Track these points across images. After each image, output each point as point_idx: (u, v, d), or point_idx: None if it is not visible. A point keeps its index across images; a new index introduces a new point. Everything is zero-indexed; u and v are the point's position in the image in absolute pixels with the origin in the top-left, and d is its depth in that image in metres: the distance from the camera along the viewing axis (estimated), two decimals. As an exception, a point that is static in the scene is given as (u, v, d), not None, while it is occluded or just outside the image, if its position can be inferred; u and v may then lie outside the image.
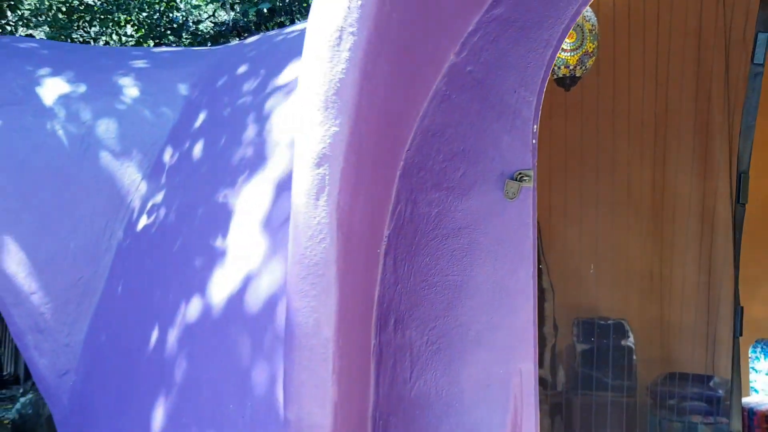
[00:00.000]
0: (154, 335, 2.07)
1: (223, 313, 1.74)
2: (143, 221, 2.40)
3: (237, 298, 1.70)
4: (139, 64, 2.73)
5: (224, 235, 1.89)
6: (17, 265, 2.43)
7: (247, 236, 1.79)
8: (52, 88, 2.60)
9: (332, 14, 0.78)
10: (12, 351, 7.32)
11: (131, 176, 2.53)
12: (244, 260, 1.75)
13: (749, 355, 4.15)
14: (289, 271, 0.94)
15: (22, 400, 5.61)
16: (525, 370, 1.26)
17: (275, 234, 1.68)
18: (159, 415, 1.92)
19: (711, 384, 4.36)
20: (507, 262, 1.29)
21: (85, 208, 2.51)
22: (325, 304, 0.94)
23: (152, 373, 2.05)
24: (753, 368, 4.18)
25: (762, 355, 4.27)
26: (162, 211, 2.33)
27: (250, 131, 2.09)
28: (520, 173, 1.27)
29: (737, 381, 3.32)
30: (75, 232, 2.50)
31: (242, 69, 2.47)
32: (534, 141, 1.28)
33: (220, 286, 1.79)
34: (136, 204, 2.50)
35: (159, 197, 2.39)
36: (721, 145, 2.11)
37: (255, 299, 1.63)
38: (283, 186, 1.77)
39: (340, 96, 0.82)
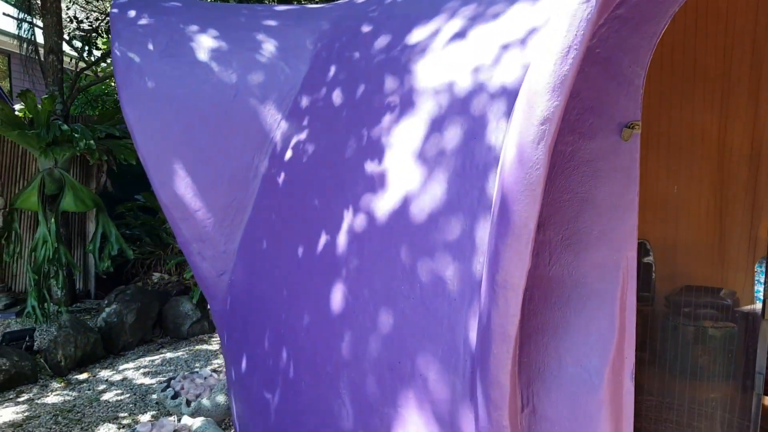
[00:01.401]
0: (303, 243, 2.66)
1: (387, 224, 2.33)
2: (288, 154, 2.98)
3: (400, 213, 2.29)
4: (269, 22, 3.26)
5: (380, 164, 2.45)
6: (184, 188, 3.02)
7: (403, 166, 2.36)
8: (201, 43, 3.14)
9: (567, 37, 1.37)
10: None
11: (273, 117, 3.10)
12: (403, 184, 2.32)
13: (755, 270, 4.75)
14: (511, 186, 1.55)
15: (107, 310, 6.32)
16: (630, 257, 1.89)
17: (431, 165, 2.26)
18: (314, 304, 2.54)
19: (721, 294, 4.95)
20: (619, 185, 1.90)
21: (235, 143, 3.09)
22: (533, 209, 1.55)
23: (303, 272, 2.65)
24: (757, 281, 4.77)
25: (761, 269, 4.86)
26: (306, 146, 2.89)
27: (390, 82, 2.62)
28: (631, 123, 1.86)
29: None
30: (228, 163, 3.08)
31: (366, 27, 2.99)
32: (641, 101, 1.88)
33: (381, 204, 2.36)
34: (278, 139, 3.07)
35: (301, 134, 2.95)
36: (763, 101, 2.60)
37: (419, 214, 2.22)
38: (434, 126, 2.33)
39: (563, 85, 1.41)
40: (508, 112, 2.13)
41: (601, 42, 1.86)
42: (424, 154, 2.30)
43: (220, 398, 3.74)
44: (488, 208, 2.04)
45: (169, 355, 6.11)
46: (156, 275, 8.12)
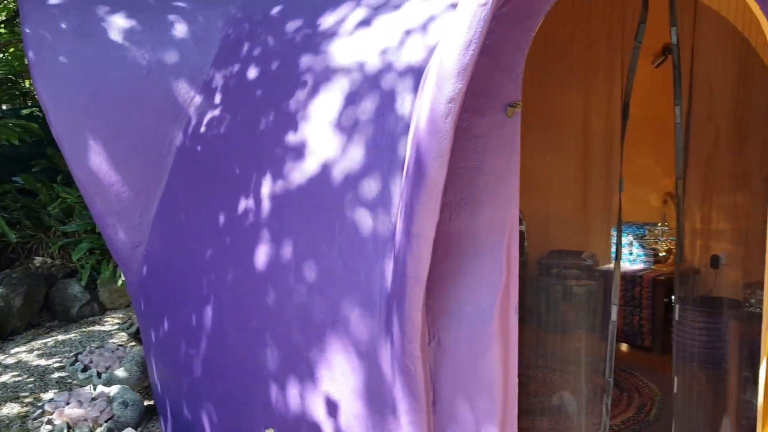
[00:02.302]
0: (224, 209, 2.88)
1: (307, 188, 2.59)
2: (203, 127, 3.16)
3: (319, 178, 2.55)
4: (179, 3, 3.41)
5: (299, 134, 2.70)
6: (99, 163, 3.14)
7: (321, 135, 2.62)
8: (113, 24, 3.24)
9: (468, 33, 1.72)
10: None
11: (186, 93, 3.26)
12: (322, 152, 2.59)
13: (611, 234, 5.42)
14: (425, 153, 1.88)
15: (-7, 293, 6.12)
16: (513, 214, 2.29)
17: (348, 134, 2.54)
18: (218, 268, 2.78)
19: (582, 256, 5.61)
20: (505, 155, 2.28)
21: (149, 119, 3.23)
22: (442, 172, 1.89)
23: (225, 236, 2.88)
24: (613, 243, 5.44)
25: (616, 233, 5.52)
26: (221, 119, 3.08)
27: (304, 61, 2.87)
28: (514, 103, 2.25)
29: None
30: (143, 137, 3.22)
31: (276, 11, 3.21)
32: (521, 85, 2.27)
33: (301, 170, 2.59)
34: (192, 114, 3.25)
35: (215, 109, 3.13)
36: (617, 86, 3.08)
37: (337, 178, 2.51)
38: (348, 101, 2.60)
39: (465, 71, 1.76)
40: (414, 89, 2.45)
41: (489, 35, 2.23)
42: (340, 124, 2.59)
43: (133, 368, 3.87)
44: (399, 171, 2.37)
45: (60, 337, 6.04)
46: (38, 259, 7.87)
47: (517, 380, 2.32)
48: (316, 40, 2.93)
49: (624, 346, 5.36)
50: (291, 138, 2.72)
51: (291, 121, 2.76)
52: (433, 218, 1.97)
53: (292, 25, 3.10)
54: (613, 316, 2.83)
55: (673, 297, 4.05)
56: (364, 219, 2.42)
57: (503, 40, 2.26)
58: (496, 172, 2.28)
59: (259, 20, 3.28)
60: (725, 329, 3.72)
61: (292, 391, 2.51)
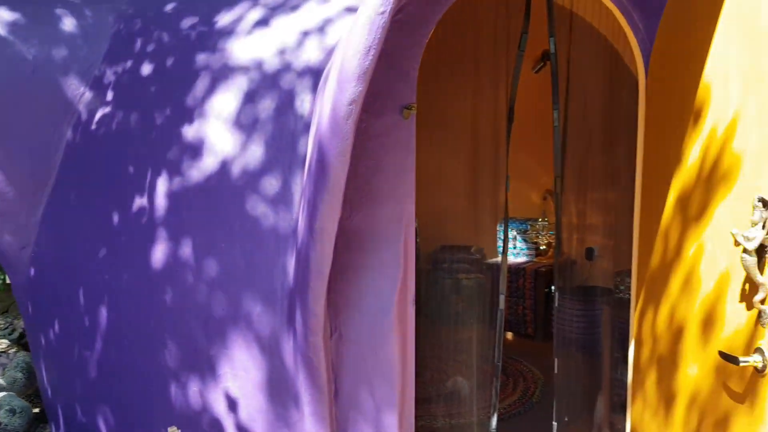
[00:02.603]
0: (119, 208, 2.83)
1: (207, 185, 2.59)
2: (93, 124, 3.07)
3: (220, 175, 2.56)
4: (66, -3, 3.28)
5: (197, 131, 2.68)
6: (-19, 161, 2.98)
7: (220, 132, 2.63)
8: (-6, 18, 3.08)
9: (368, 39, 1.81)
10: None
11: (75, 89, 3.14)
12: (221, 149, 2.60)
13: (497, 229, 5.72)
14: (328, 152, 1.96)
15: None
16: (409, 209, 2.42)
17: (248, 131, 2.57)
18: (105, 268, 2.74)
19: (471, 251, 5.86)
20: (401, 154, 2.40)
21: (35, 116, 3.09)
22: (344, 170, 1.98)
23: (120, 235, 2.82)
24: (499, 238, 5.76)
25: (501, 228, 5.82)
26: (113, 116, 3.00)
27: (201, 59, 2.85)
28: (410, 105, 2.38)
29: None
30: (29, 135, 3.09)
31: (169, 8, 3.18)
32: (416, 88, 2.40)
33: (200, 167, 2.59)
34: (82, 110, 3.14)
35: (107, 105, 3.05)
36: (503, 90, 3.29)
37: (238, 175, 2.53)
38: (248, 99, 2.63)
39: (365, 75, 1.85)
40: (313, 89, 2.52)
41: (386, 41, 2.34)
42: (239, 122, 2.61)
43: (17, 374, 3.69)
44: (300, 169, 2.43)
45: (-71, 346, 5.61)
46: None
47: (414, 368, 2.45)
48: (212, 38, 2.93)
49: (509, 335, 5.68)
50: (189, 135, 2.71)
51: (188, 119, 2.75)
52: (336, 214, 2.05)
53: (186, 23, 3.08)
54: (501, 304, 3.03)
55: (553, 287, 4.35)
56: (266, 216, 2.46)
57: (399, 45, 2.37)
58: (394, 170, 2.40)
59: (151, 17, 3.23)
60: (599, 315, 4.04)
61: (193, 389, 2.52)
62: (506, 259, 3.21)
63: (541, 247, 5.96)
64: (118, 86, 3.10)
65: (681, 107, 2.27)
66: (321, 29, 2.71)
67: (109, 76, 3.15)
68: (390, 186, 2.39)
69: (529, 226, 6.01)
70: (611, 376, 3.36)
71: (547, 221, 5.94)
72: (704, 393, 2.09)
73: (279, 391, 2.40)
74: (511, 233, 6.09)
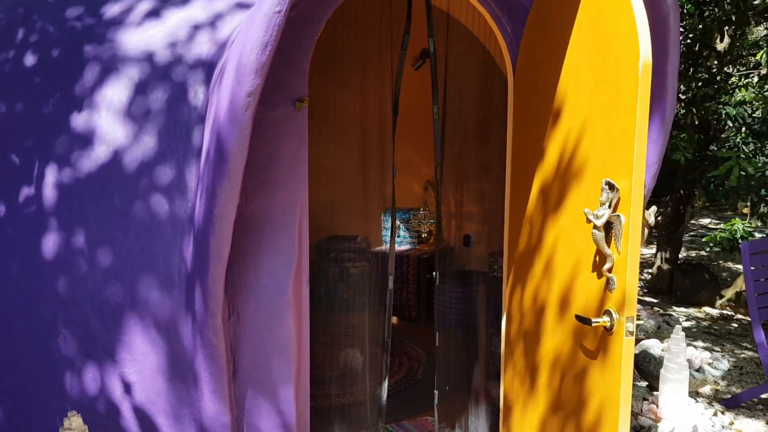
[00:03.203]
0: (2, 200, 2.78)
1: (98, 175, 2.61)
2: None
3: (111, 165, 2.60)
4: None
5: (86, 121, 2.69)
6: None
7: (111, 123, 2.65)
8: None
9: (265, 35, 1.95)
10: None
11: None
12: (112, 139, 2.62)
13: (382, 219, 5.96)
14: (226, 142, 2.07)
15: None
16: (303, 196, 2.57)
17: (140, 122, 2.61)
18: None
19: (357, 240, 6.08)
20: (295, 144, 2.54)
21: None
22: (242, 159, 2.10)
23: (5, 227, 2.78)
24: (384, 227, 6.01)
25: (386, 218, 6.08)
26: (-6, 108, 2.95)
27: (89, 49, 2.85)
28: (302, 98, 2.53)
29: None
30: None
31: (52, -2, 3.13)
32: (307, 82, 2.55)
33: (90, 157, 2.60)
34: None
35: (-15, 97, 2.98)
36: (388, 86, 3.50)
37: (130, 164, 2.58)
38: (139, 90, 2.67)
39: (263, 69, 1.99)
40: (206, 81, 2.61)
41: (281, 38, 2.47)
42: (131, 113, 2.65)
43: None
44: (195, 159, 2.52)
45: None
46: None
47: (308, 345, 2.61)
48: (100, 29, 2.93)
49: (395, 319, 5.94)
50: (78, 126, 2.71)
51: (77, 109, 2.75)
52: (234, 200, 2.17)
53: (72, 13, 3.05)
54: (390, 285, 3.24)
55: (434, 273, 4.63)
56: (161, 204, 2.53)
57: (292, 41, 2.52)
58: (288, 159, 2.54)
59: (34, 6, 3.16)
60: (476, 296, 4.37)
61: (89, 376, 2.54)
62: (394, 242, 3.43)
63: (423, 235, 6.26)
64: (3, 73, 3.02)
65: (543, 105, 2.58)
66: (212, 23, 2.81)
67: (-11, 62, 3.07)
68: (284, 174, 2.53)
69: (411, 216, 6.30)
70: (487, 349, 3.67)
71: (428, 210, 6.24)
72: (564, 356, 2.40)
73: (178, 372, 2.48)
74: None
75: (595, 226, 2.10)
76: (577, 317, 2.23)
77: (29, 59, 3.00)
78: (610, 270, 2.10)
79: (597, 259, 2.19)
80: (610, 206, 2.07)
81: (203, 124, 2.57)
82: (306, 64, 2.55)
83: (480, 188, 4.40)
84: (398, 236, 6.35)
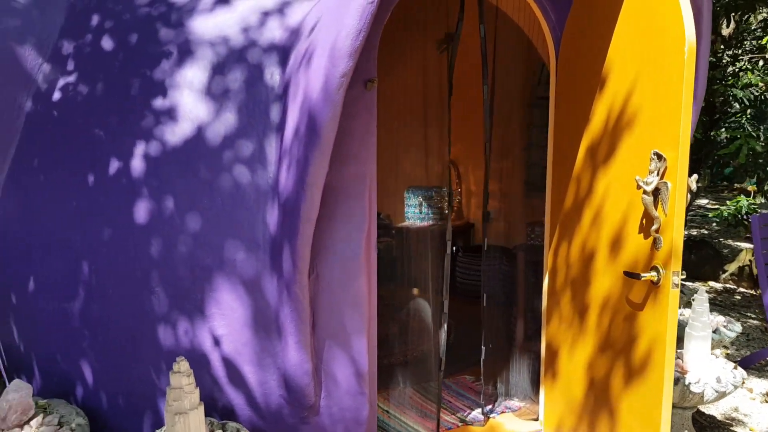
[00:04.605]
0: (93, 171, 3.04)
1: (183, 148, 2.88)
2: (56, 94, 3.23)
3: (195, 139, 2.87)
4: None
5: (168, 100, 2.95)
6: (-59, 127, 3.08)
7: (192, 101, 2.92)
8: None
9: (359, 23, 2.21)
10: None
11: (33, 60, 3.28)
12: (195, 116, 2.89)
13: (405, 196, 6.20)
14: (320, 116, 2.34)
15: None
16: (372, 169, 2.84)
17: (220, 101, 2.88)
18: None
19: (381, 216, 6.32)
20: (365, 120, 2.81)
21: (-3, 83, 3.22)
22: (333, 131, 2.37)
23: (96, 196, 3.04)
24: (407, 204, 6.22)
25: (409, 196, 6.28)
26: (78, 86, 3.18)
27: (165, 34, 3.10)
28: (371, 79, 2.79)
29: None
30: (-12, 102, 3.21)
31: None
32: (375, 65, 2.82)
33: (175, 132, 2.87)
34: (42, 81, 3.28)
35: (69, 76, 3.21)
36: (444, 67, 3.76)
37: (214, 138, 2.84)
38: (216, 71, 2.94)
39: (356, 53, 2.25)
40: (280, 63, 2.88)
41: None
42: (211, 92, 2.91)
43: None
44: (274, 134, 2.79)
45: None
46: None
47: (376, 302, 2.90)
48: (174, 16, 3.18)
49: (416, 290, 6.23)
50: (162, 104, 2.97)
51: (159, 89, 3.00)
52: (324, 170, 2.45)
53: (143, 0, 3.30)
54: (448, 249, 3.52)
55: (454, 247, 4.89)
56: (244, 175, 2.80)
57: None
58: (359, 134, 2.81)
59: (108, -7, 3.41)
60: (516, 264, 4.58)
61: (181, 330, 2.82)
62: (451, 213, 3.69)
63: (444, 212, 6.52)
64: (79, 58, 3.27)
65: (589, 79, 2.85)
66: (280, 11, 3.06)
67: (69, 48, 3.32)
68: (356, 148, 2.80)
69: (434, 193, 6.56)
70: (524, 312, 3.97)
71: (451, 189, 6.49)
72: (612, 301, 2.70)
73: (263, 325, 2.77)
74: (417, 200, 6.62)
75: (644, 192, 2.39)
76: (626, 273, 2.52)
77: (107, 43, 3.25)
78: (657, 230, 2.39)
79: (644, 221, 2.48)
80: (658, 174, 2.36)
81: (280, 102, 2.83)
82: (375, 49, 2.82)
83: (500, 167, 4.68)
84: (420, 212, 6.62)
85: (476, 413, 3.75)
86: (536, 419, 3.59)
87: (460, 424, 3.66)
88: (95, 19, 3.35)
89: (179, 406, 2.40)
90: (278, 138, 2.78)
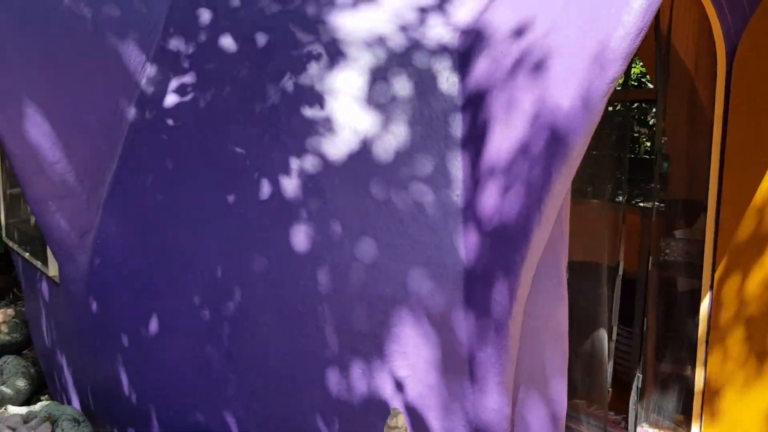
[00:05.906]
0: (235, 190, 2.61)
1: (346, 165, 2.49)
2: (167, 100, 2.78)
3: (360, 154, 2.48)
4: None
5: (322, 110, 2.56)
6: (40, 136, 2.59)
7: (351, 111, 2.54)
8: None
9: (641, 21, 1.93)
10: None
11: (136, 58, 2.83)
12: (358, 128, 2.51)
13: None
14: (572, 126, 2.01)
15: None
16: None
17: (386, 111, 2.51)
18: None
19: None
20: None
21: (98, 85, 2.75)
22: (585, 144, 2.08)
23: (242, 218, 2.60)
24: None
25: None
26: (195, 93, 2.75)
27: (303, 34, 2.70)
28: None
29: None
30: (91, 107, 2.73)
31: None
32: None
33: (335, 146, 2.47)
34: (146, 85, 2.83)
35: (182, 78, 2.78)
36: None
37: (383, 154, 2.47)
38: (378, 76, 2.57)
39: (628, 56, 1.97)
40: (454, 68, 2.55)
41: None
42: (374, 101, 2.55)
43: (20, 383, 3.21)
44: (457, 148, 2.45)
45: None
46: None
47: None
48: (311, 12, 2.80)
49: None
50: (313, 114, 2.59)
51: (308, 95, 2.62)
52: (566, 187, 2.14)
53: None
54: (620, 270, 3.24)
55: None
56: (425, 193, 2.45)
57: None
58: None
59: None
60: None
61: (356, 372, 2.44)
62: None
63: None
64: (192, 58, 2.85)
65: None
66: (440, 7, 2.73)
67: (178, 47, 2.90)
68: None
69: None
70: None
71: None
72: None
73: (452, 366, 2.42)
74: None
75: None
76: None
77: (227, 40, 2.83)
78: None
79: None
80: None
81: (460, 112, 2.51)
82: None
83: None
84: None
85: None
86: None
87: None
88: (207, 13, 2.92)
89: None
90: (465, 153, 2.45)
